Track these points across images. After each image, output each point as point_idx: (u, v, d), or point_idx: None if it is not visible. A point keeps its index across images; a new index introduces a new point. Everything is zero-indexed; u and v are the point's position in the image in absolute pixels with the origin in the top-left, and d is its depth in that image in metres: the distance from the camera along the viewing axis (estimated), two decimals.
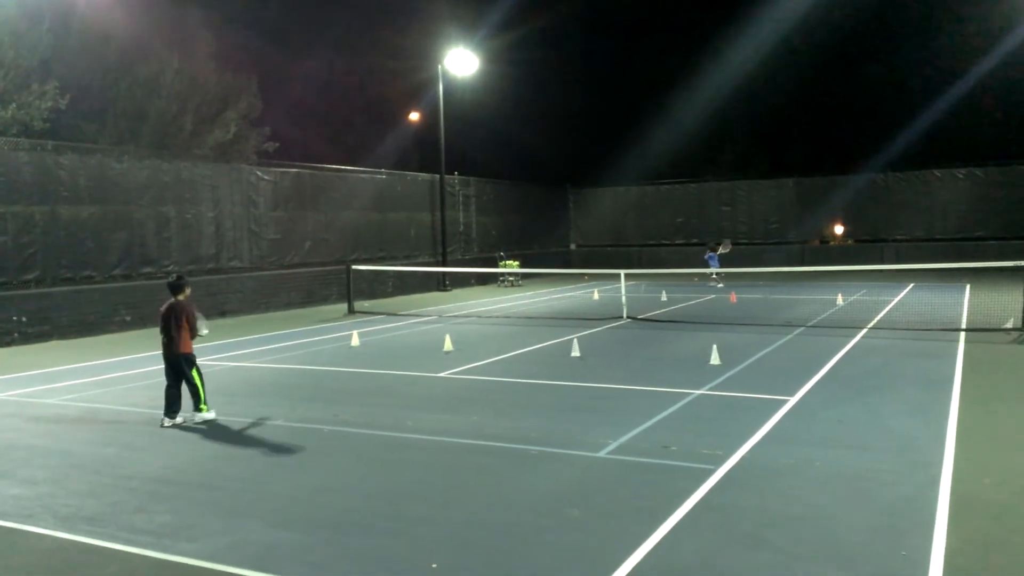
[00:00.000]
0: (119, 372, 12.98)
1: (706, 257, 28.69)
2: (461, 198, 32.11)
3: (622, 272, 20.09)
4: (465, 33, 32.81)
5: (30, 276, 17.33)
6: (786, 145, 44.59)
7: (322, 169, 25.84)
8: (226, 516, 6.20)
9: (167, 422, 9.13)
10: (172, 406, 9.23)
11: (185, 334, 9.23)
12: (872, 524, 5.69)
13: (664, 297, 23.31)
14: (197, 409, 9.23)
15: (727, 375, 11.32)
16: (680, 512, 5.95)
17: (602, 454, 7.57)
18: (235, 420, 9.34)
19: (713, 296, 23.64)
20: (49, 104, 19.46)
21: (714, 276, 28.20)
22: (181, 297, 9.35)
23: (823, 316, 18.07)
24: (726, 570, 5.02)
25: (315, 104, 38.49)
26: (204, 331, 9.84)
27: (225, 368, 13.13)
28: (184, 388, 9.31)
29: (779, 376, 11.18)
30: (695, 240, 36.10)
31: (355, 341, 15.44)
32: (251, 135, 25.59)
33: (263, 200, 23.26)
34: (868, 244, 34.31)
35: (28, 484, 7.12)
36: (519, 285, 30.18)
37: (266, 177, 23.50)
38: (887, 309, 19.16)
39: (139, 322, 18.68)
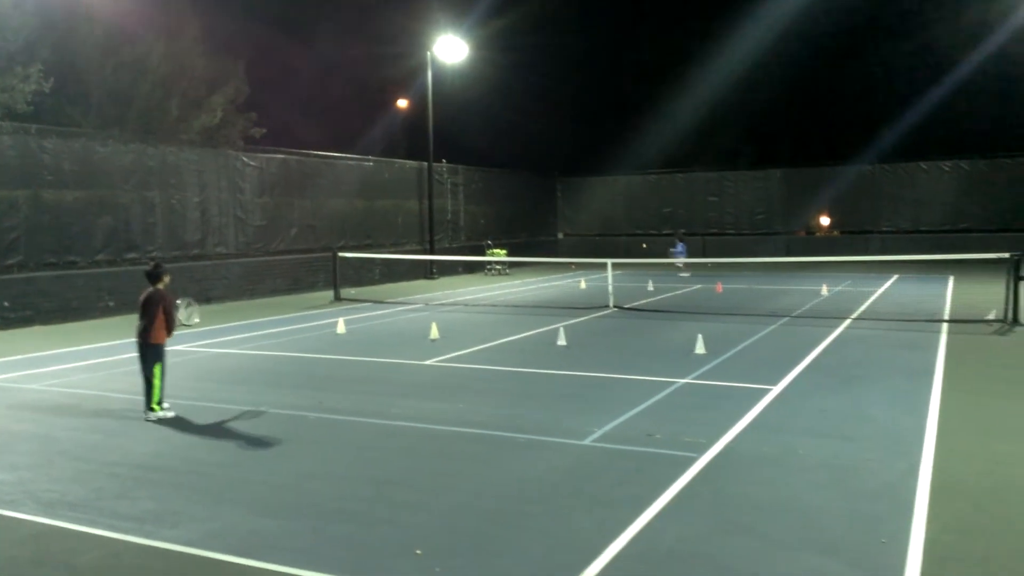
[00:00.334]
0: (103, 358, 12.91)
1: (674, 249, 28.49)
2: (449, 186, 32.02)
3: (609, 261, 20.12)
4: (454, 20, 32.66)
5: (13, 261, 17.17)
6: (774, 136, 44.68)
7: (309, 155, 25.69)
8: (210, 503, 6.19)
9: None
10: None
11: (159, 324, 8.89)
12: (853, 511, 5.75)
13: (651, 287, 23.38)
14: (149, 408, 8.77)
15: (712, 364, 11.37)
16: (664, 499, 5.99)
17: (587, 442, 7.60)
18: (220, 407, 9.31)
19: (699, 286, 23.72)
20: (33, 87, 19.28)
21: (680, 265, 28.07)
22: (160, 286, 9.06)
23: (808, 306, 18.17)
24: (709, 556, 5.06)
25: (303, 90, 38.29)
26: (195, 319, 9.74)
27: (210, 355, 13.08)
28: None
29: (763, 366, 11.25)
30: (682, 230, 36.16)
31: (341, 328, 15.41)
32: (238, 120, 25.45)
33: (249, 186, 23.12)
34: (853, 235, 34.48)
35: (10, 470, 7.08)
36: (506, 274, 30.18)
37: (252, 163, 23.35)
38: (871, 300, 19.29)
39: (123, 307, 18.54)
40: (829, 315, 16.48)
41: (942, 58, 38.98)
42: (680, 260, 27.09)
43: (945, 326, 14.86)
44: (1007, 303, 15.00)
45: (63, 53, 20.82)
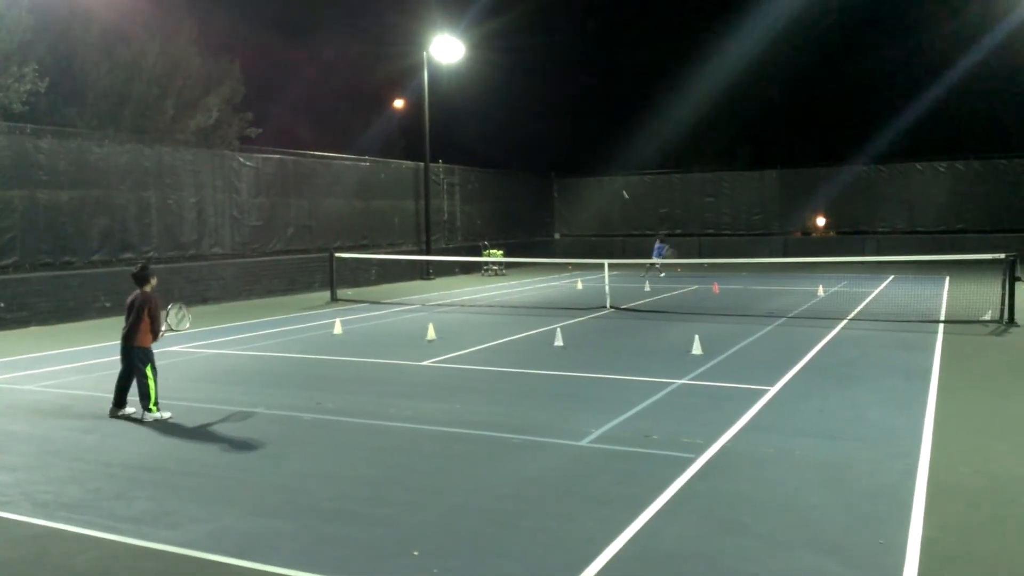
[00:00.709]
0: (99, 359, 12.87)
1: (658, 246, 28.41)
2: (445, 186, 32.01)
3: (606, 262, 20.12)
4: (451, 20, 32.66)
5: (8, 261, 17.12)
6: (770, 137, 44.79)
7: (305, 156, 25.67)
8: (207, 504, 6.17)
9: (116, 411, 8.91)
10: (118, 397, 8.94)
11: (144, 327, 8.81)
12: (850, 512, 5.75)
13: (647, 288, 23.39)
14: (147, 409, 8.73)
15: (709, 365, 11.38)
16: (661, 500, 5.99)
17: (584, 442, 7.60)
18: (216, 408, 9.29)
19: (695, 287, 23.74)
20: (28, 87, 19.21)
21: (657, 267, 28.00)
22: (147, 288, 8.97)
23: (804, 307, 18.20)
24: (707, 556, 5.06)
25: (299, 90, 38.21)
26: (185, 324, 9.60)
27: (206, 356, 13.05)
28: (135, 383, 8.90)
29: (760, 366, 11.26)
30: (679, 231, 36.23)
31: (338, 329, 15.39)
32: (233, 120, 25.40)
33: (245, 186, 23.08)
34: (849, 236, 34.55)
35: (6, 471, 7.05)
36: (503, 274, 30.18)
37: (248, 163, 23.32)
38: (867, 300, 19.32)
39: (119, 308, 18.20)
40: (826, 316, 16.50)
41: (937, 59, 39.11)
42: (657, 261, 27.03)
43: (941, 327, 14.89)
44: (1003, 303, 15.04)
45: (58, 53, 20.76)
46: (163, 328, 9.14)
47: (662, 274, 27.60)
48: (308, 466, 7.07)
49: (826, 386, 9.90)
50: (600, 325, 16.10)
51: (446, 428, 8.22)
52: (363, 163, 28.23)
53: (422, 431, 8.15)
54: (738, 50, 40.22)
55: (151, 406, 8.72)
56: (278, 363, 12.42)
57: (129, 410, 8.91)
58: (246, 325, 16.86)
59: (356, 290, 24.12)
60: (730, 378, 10.45)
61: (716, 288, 22.73)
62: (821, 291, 21.24)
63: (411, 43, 31.47)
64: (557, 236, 39.97)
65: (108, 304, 18.53)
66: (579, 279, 26.45)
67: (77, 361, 12.63)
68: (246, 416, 8.90)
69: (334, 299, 21.48)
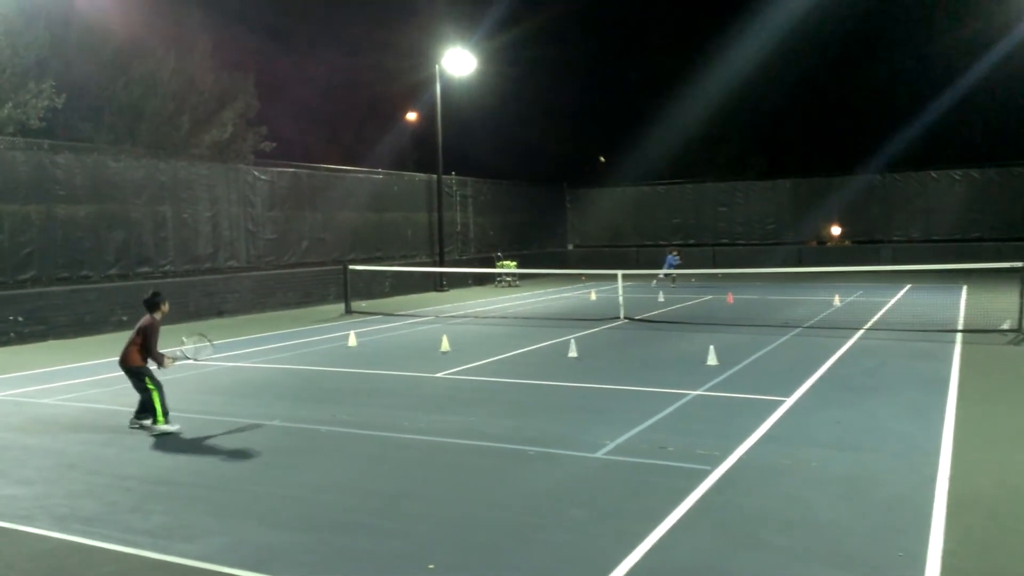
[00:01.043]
0: (116, 372, 12.83)
1: (669, 259, 28.43)
2: (458, 198, 32.09)
3: (619, 273, 20.09)
4: (463, 33, 32.83)
5: (26, 276, 17.29)
6: (783, 146, 44.66)
7: (319, 169, 25.82)
8: (223, 516, 6.19)
9: (136, 421, 8.99)
10: (140, 407, 9.03)
11: (135, 348, 8.90)
12: (869, 524, 5.70)
13: (661, 298, 23.32)
14: (154, 423, 8.81)
15: (724, 376, 11.32)
16: (677, 512, 5.96)
17: (599, 454, 7.57)
18: (232, 420, 9.33)
19: (710, 297, 23.65)
20: (45, 103, 19.41)
21: (662, 277, 27.97)
22: (157, 315, 9.05)
23: (820, 317, 18.09)
24: (723, 570, 5.02)
25: (312, 104, 38.44)
26: (200, 356, 9.55)
27: (222, 368, 13.11)
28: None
29: (776, 377, 11.19)
30: (692, 241, 36.14)
31: (352, 341, 15.42)
32: (248, 135, 25.55)
33: (260, 200, 23.24)
34: (865, 245, 34.35)
35: (24, 484, 7.10)
36: (516, 285, 30.17)
37: (263, 177, 23.48)
38: (884, 310, 19.18)
39: (136, 322, 18.59)
40: (842, 325, 16.39)
41: (951, 66, 38.90)
42: (667, 272, 27.04)
43: (959, 336, 14.76)
44: (1021, 313, 14.89)
45: (75, 69, 20.98)
46: (168, 354, 9.14)
47: (673, 284, 27.54)
48: (323, 478, 7.08)
49: (843, 397, 9.82)
50: (614, 336, 16.06)
51: (461, 440, 8.21)
52: (376, 176, 28.36)
53: (437, 443, 8.15)
54: (751, 59, 40.19)
55: (158, 418, 8.77)
56: (293, 375, 12.45)
57: (148, 421, 8.98)
58: (261, 338, 16.93)
59: (370, 302, 24.19)
60: (746, 389, 10.39)
61: (730, 298, 22.63)
62: (837, 301, 21.11)
63: (424, 56, 31.65)
64: (570, 247, 39.95)
65: (125, 318, 18.65)
66: (592, 290, 26.41)
67: (94, 375, 12.72)
68: (261, 428, 8.92)
69: (348, 311, 21.54)
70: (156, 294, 9.22)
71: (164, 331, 9.57)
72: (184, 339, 9.88)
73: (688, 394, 10.12)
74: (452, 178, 31.64)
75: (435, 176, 29.77)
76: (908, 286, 25.36)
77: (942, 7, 40.38)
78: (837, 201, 34.66)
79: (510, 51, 39.27)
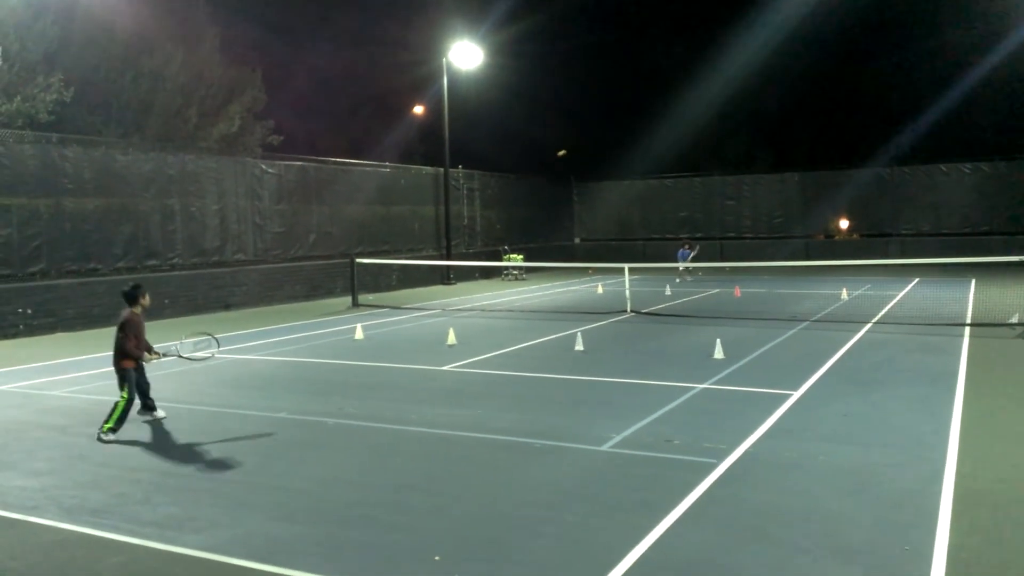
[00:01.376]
0: None
1: (683, 256, 28.37)
2: (465, 191, 32.08)
3: (626, 266, 20.07)
4: (469, 26, 32.76)
5: (35, 268, 17.38)
6: (791, 139, 44.46)
7: (326, 162, 25.85)
8: (230, 508, 6.22)
9: (145, 414, 8.97)
10: (142, 402, 8.90)
11: (129, 348, 8.51)
12: (875, 518, 5.69)
13: (668, 291, 23.29)
14: (101, 428, 8.29)
15: (731, 369, 11.31)
16: (683, 506, 5.96)
17: (605, 447, 7.58)
18: (239, 413, 9.37)
19: (717, 290, 23.61)
20: (54, 96, 19.49)
21: (681, 270, 27.96)
22: (136, 308, 8.72)
23: (828, 311, 18.04)
24: (729, 563, 5.02)
25: (319, 97, 38.50)
26: (201, 354, 9.17)
27: (230, 361, 13.16)
28: (136, 394, 8.67)
29: (783, 370, 11.17)
30: (699, 234, 36.05)
31: (359, 334, 15.45)
32: (256, 128, 25.61)
33: (267, 193, 23.28)
34: (873, 239, 34.21)
35: (33, 476, 7.15)
36: (523, 279, 30.17)
37: (270, 170, 23.52)
38: (892, 304, 19.12)
39: (144, 314, 18.69)
40: (849, 319, 16.35)
41: (960, 58, 38.63)
42: (684, 264, 27.02)
43: (967, 330, 14.70)
44: None
45: (83, 63, 21.04)
46: (161, 350, 8.92)
47: (689, 278, 27.50)
48: (331, 471, 7.11)
49: (850, 391, 9.80)
50: (621, 329, 16.05)
51: (467, 433, 8.23)
52: (384, 169, 28.37)
53: (443, 436, 8.17)
54: (759, 52, 40.00)
55: (105, 426, 8.28)
56: (300, 368, 12.49)
57: (159, 413, 9.03)
58: (268, 331, 16.98)
59: (377, 295, 24.23)
60: (753, 382, 10.38)
61: (738, 292, 22.59)
62: (845, 294, 21.05)
63: (430, 50, 31.62)
64: (577, 240, 39.92)
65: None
66: (599, 283, 26.39)
67: (102, 367, 12.74)
68: (269, 421, 8.96)
69: (355, 304, 21.58)
70: (136, 286, 8.96)
71: (171, 325, 9.61)
72: (183, 338, 9.64)
73: (695, 387, 10.11)
74: (459, 171, 31.63)
75: (442, 169, 29.77)
76: (916, 280, 25.27)
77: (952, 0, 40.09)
78: (845, 195, 34.51)
79: (517, 44, 39.22)
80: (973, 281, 24.17)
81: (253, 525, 5.85)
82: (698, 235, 35.94)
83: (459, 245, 31.07)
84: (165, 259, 20.07)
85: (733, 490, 6.32)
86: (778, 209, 35.83)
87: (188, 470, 7.23)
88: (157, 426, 8.84)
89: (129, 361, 8.59)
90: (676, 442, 7.66)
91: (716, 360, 11.93)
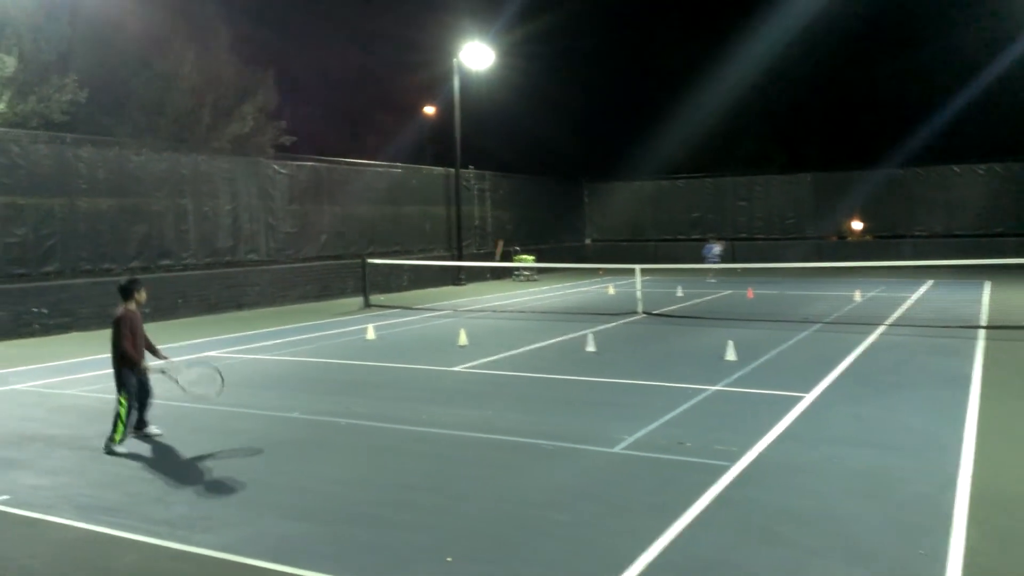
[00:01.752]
0: None
1: (709, 251, 28.27)
2: (476, 192, 32.09)
3: (637, 267, 20.03)
4: (481, 26, 32.77)
5: (50, 268, 17.50)
6: (803, 139, 44.22)
7: (338, 163, 25.91)
8: (243, 508, 6.24)
9: (137, 433, 8.28)
10: (139, 415, 8.29)
11: (125, 347, 8.05)
12: (890, 521, 5.65)
13: (680, 292, 23.22)
14: (110, 438, 7.88)
15: (743, 371, 11.26)
16: (695, 508, 5.94)
17: (617, 449, 7.56)
18: (251, 412, 9.40)
19: (729, 292, 23.53)
20: (68, 97, 19.61)
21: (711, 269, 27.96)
22: (131, 304, 8.22)
23: (841, 312, 17.94)
24: (741, 566, 5.00)
25: (331, 98, 38.60)
26: (199, 391, 8.35)
27: (242, 360, 13.21)
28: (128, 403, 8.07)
29: (796, 373, 11.12)
30: (711, 235, 35.94)
31: (370, 335, 15.49)
32: (268, 128, 25.69)
33: (280, 193, 23.37)
34: (886, 240, 34.01)
35: (48, 474, 7.19)
36: (534, 280, 30.16)
37: (283, 170, 23.60)
38: (906, 305, 19.00)
39: (158, 314, 18.77)
40: (863, 321, 16.26)
41: (975, 59, 38.34)
42: (712, 266, 26.91)
43: (982, 332, 14.60)
44: None
45: (97, 64, 21.17)
46: (157, 365, 8.21)
47: (712, 279, 27.40)
48: (342, 471, 7.12)
49: (864, 393, 9.74)
50: (632, 330, 16.02)
51: (478, 434, 8.23)
52: (395, 170, 28.41)
53: (454, 437, 8.17)
54: (770, 51, 39.83)
55: (115, 436, 7.88)
56: (312, 368, 12.52)
57: (153, 430, 8.38)
58: (280, 330, 17.04)
59: (388, 296, 24.27)
60: (765, 385, 10.34)
61: (750, 293, 22.50)
62: (858, 296, 20.94)
63: (442, 50, 31.67)
64: (588, 241, 39.86)
65: (147, 310, 18.75)
66: (610, 284, 26.35)
67: None
68: (280, 421, 8.98)
69: (367, 305, 21.62)
70: (132, 280, 8.46)
71: (184, 324, 9.62)
72: (189, 368, 8.90)
73: (707, 389, 10.08)
74: (470, 172, 31.64)
75: (453, 170, 29.79)
76: (930, 282, 25.11)
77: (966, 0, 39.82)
78: (858, 195, 34.31)
79: (528, 45, 39.18)
80: (988, 283, 24.00)
81: (265, 524, 5.87)
82: (709, 236, 35.81)
83: (470, 246, 31.09)
84: (178, 259, 20.17)
85: (746, 493, 6.29)
86: (790, 210, 35.67)
87: (201, 469, 7.26)
88: (170, 425, 8.86)
89: (130, 362, 8.08)
90: (688, 444, 7.63)
91: (728, 362, 11.88)
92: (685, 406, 9.22)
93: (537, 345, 14.17)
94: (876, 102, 43.09)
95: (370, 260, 22.99)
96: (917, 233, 33.37)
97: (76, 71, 19.94)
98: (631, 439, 7.85)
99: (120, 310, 8.26)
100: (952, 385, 10.13)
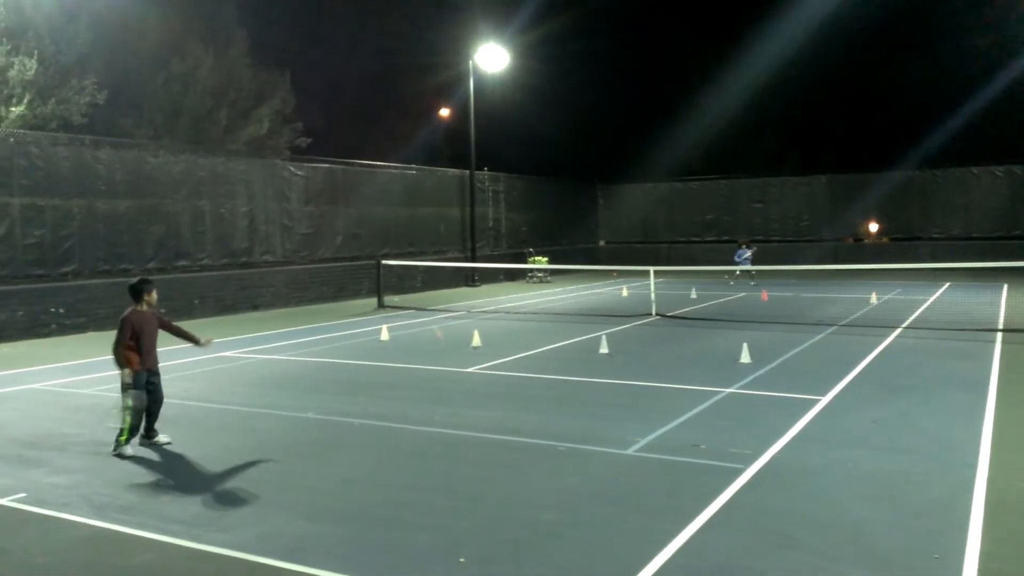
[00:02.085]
0: None
1: (740, 255, 28.17)
2: (491, 194, 32.13)
3: (651, 269, 19.99)
4: (496, 28, 32.83)
5: (68, 269, 17.66)
6: (819, 141, 44.00)
7: (353, 164, 26.02)
8: (257, 507, 6.28)
9: (145, 441, 8.08)
10: (146, 424, 8.11)
11: (126, 351, 7.90)
12: (904, 526, 5.62)
13: (694, 294, 23.16)
14: (116, 440, 7.76)
15: (757, 374, 11.22)
16: (709, 511, 5.92)
17: (630, 451, 7.55)
18: (266, 412, 9.45)
19: (744, 294, 23.44)
20: (87, 99, 19.82)
21: (738, 274, 27.78)
22: (142, 306, 8.11)
23: (856, 315, 17.83)
24: (755, 570, 4.98)
25: (347, 99, 38.75)
26: (108, 423, 8.07)
27: (257, 361, 13.29)
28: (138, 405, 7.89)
29: (811, 376, 11.06)
30: (726, 237, 35.81)
31: (385, 335, 15.53)
32: (284, 130, 25.86)
33: (295, 195, 23.49)
34: (903, 242, 33.75)
35: (64, 473, 7.26)
36: (548, 281, 30.15)
37: (299, 172, 23.72)
38: (922, 308, 18.86)
39: (173, 314, 18.79)
40: (879, 324, 16.15)
41: (993, 60, 38.01)
42: (741, 268, 26.71)
43: (999, 336, 14.47)
44: None
45: (115, 66, 21.39)
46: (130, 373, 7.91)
47: (752, 282, 27.16)
48: (356, 471, 7.15)
49: (879, 396, 9.68)
50: (646, 332, 15.99)
51: (492, 435, 8.24)
52: (410, 171, 28.50)
53: (468, 438, 8.18)
54: (785, 53, 39.63)
55: (120, 438, 7.73)
56: (327, 368, 12.58)
57: (162, 439, 8.12)
58: (295, 331, 17.12)
59: (402, 297, 24.34)
60: (780, 387, 10.29)
61: (765, 295, 22.41)
62: (874, 299, 20.80)
63: (457, 52, 31.73)
64: (602, 243, 39.81)
65: (163, 310, 18.88)
66: (624, 286, 26.31)
67: None
68: (295, 421, 9.03)
69: (381, 306, 21.69)
70: (143, 281, 8.29)
71: (200, 325, 9.68)
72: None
73: (721, 392, 10.04)
74: (484, 174, 31.68)
75: (467, 172, 29.84)
76: (947, 284, 24.91)
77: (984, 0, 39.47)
78: (874, 197, 34.06)
79: (543, 47, 39.18)
80: (1005, 286, 23.78)
81: (279, 524, 5.90)
82: (724, 238, 35.70)
83: (484, 247, 31.12)
84: (195, 260, 20.31)
85: (759, 496, 6.27)
86: (806, 212, 35.47)
87: (216, 469, 7.31)
88: (186, 424, 8.93)
89: (134, 360, 7.91)
90: (702, 447, 7.61)
91: (742, 364, 11.84)
92: (699, 408, 9.19)
93: (551, 347, 14.17)
94: (892, 103, 42.77)
95: (384, 261, 23.07)
96: (934, 235, 33.11)
97: (95, 74, 20.16)
98: (644, 441, 7.84)
99: (127, 311, 8.18)
100: (969, 389, 10.05)
